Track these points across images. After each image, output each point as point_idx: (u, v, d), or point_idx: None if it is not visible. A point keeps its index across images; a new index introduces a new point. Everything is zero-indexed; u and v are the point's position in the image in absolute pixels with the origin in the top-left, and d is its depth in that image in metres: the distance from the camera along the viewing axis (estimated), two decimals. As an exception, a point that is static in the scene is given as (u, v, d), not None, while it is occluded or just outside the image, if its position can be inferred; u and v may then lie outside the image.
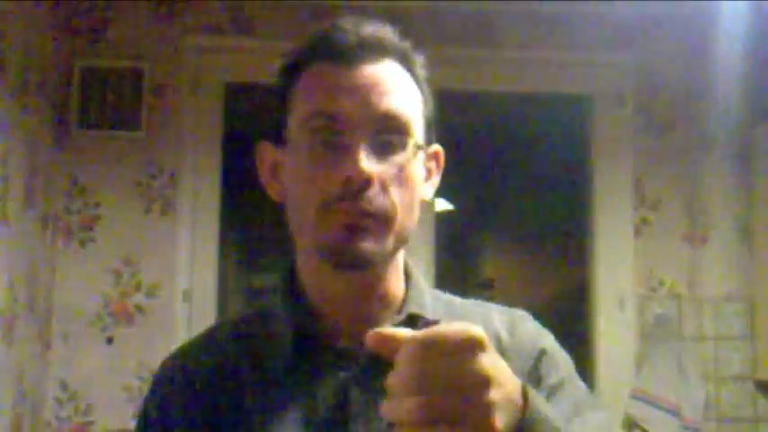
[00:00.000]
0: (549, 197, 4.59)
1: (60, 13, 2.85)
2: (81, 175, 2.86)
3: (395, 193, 0.92)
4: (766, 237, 2.95)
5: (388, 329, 0.70)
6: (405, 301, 0.99)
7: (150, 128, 2.88)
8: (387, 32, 0.97)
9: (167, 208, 2.87)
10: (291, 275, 1.01)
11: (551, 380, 0.96)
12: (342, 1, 2.89)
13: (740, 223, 3.02)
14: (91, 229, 2.84)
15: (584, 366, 3.15)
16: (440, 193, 1.04)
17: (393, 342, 0.69)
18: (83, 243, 2.84)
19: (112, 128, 2.87)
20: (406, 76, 0.97)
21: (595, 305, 3.03)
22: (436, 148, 1.03)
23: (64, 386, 2.77)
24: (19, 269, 2.51)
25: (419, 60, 0.99)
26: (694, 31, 3.03)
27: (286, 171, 0.97)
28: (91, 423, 2.76)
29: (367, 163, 0.89)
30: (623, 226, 3.02)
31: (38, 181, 2.65)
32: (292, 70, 0.97)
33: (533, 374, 0.96)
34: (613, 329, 2.99)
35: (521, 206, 5.06)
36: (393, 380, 0.68)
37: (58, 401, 2.77)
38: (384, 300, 0.98)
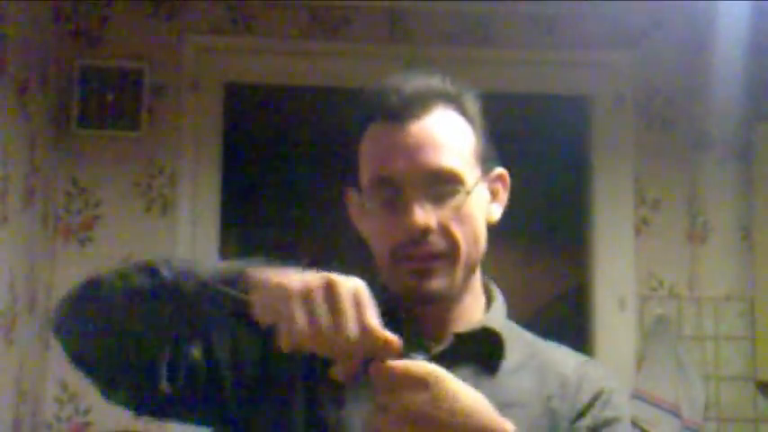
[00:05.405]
0: (549, 197, 4.59)
1: (60, 13, 2.85)
2: (81, 175, 2.85)
3: (456, 232, 1.05)
4: (766, 237, 2.95)
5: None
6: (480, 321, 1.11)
7: (150, 128, 2.88)
8: (434, 82, 1.08)
9: (167, 208, 2.87)
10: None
11: (606, 414, 1.09)
12: (342, 1, 2.90)
13: (740, 223, 3.01)
14: (91, 228, 2.84)
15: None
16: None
17: None
18: (83, 243, 2.84)
19: (112, 128, 2.87)
20: (457, 119, 1.08)
21: (595, 305, 3.03)
22: (500, 171, 1.18)
23: (64, 386, 2.76)
24: (19, 269, 2.51)
25: (469, 99, 1.11)
26: (694, 31, 3.02)
27: (364, 218, 1.12)
28: (91, 423, 2.76)
29: (422, 215, 1.02)
30: (623, 226, 3.02)
31: (38, 181, 2.65)
32: (358, 130, 1.10)
33: (589, 407, 1.08)
34: (613, 329, 2.98)
35: (520, 206, 5.04)
36: None
37: (58, 401, 2.76)
38: (459, 320, 1.10)
